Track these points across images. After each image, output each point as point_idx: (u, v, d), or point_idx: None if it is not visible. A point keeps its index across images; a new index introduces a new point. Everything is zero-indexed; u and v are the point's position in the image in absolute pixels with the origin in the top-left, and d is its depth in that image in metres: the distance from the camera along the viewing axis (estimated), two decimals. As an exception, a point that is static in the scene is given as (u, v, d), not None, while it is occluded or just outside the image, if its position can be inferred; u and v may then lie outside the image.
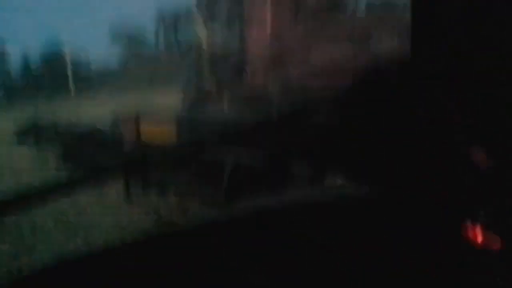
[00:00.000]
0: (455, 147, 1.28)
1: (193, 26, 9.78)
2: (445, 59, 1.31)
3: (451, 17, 1.25)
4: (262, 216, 1.29)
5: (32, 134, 8.16)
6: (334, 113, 2.03)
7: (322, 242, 1.18)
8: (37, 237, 3.96)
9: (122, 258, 1.09)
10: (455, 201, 1.24)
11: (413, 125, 1.41)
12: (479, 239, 1.13)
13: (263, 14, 8.95)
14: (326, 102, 2.20)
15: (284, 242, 1.18)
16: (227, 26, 8.95)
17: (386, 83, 1.71)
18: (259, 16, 9.02)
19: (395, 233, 1.23)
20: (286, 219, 1.27)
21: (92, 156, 4.81)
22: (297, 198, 1.49)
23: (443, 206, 1.20)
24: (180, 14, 9.93)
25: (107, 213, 3.97)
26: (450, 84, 1.30)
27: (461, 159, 1.28)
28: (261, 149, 2.78)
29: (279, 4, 9.04)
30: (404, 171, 1.44)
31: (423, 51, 1.35)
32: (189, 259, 1.11)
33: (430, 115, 1.36)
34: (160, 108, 6.13)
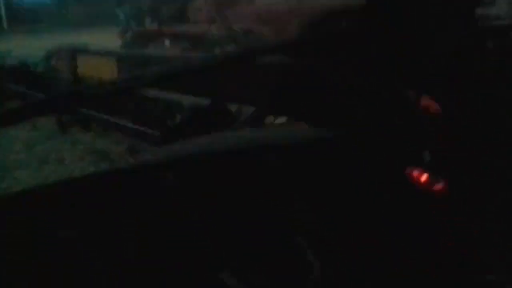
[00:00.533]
0: (403, 92, 1.30)
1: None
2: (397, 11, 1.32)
3: None
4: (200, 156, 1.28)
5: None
6: (279, 57, 2.01)
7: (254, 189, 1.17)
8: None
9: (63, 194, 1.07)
10: (400, 145, 1.25)
11: (362, 69, 1.42)
12: (424, 180, 1.15)
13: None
14: (272, 45, 2.17)
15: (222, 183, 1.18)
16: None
17: (334, 32, 1.71)
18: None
19: (340, 177, 1.23)
20: (226, 159, 1.27)
21: (23, 91, 4.55)
22: (238, 137, 1.50)
23: (389, 150, 1.21)
24: None
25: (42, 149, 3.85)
26: (400, 34, 1.31)
27: (407, 103, 1.30)
28: (201, 89, 2.76)
29: None
30: (348, 114, 1.43)
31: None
32: (130, 198, 1.10)
33: (378, 62, 1.37)
34: (98, 45, 5.84)
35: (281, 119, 2.13)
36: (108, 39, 9.64)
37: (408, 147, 1.23)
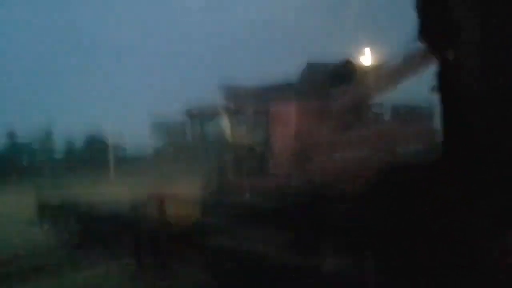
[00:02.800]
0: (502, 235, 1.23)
1: (220, 120, 10.20)
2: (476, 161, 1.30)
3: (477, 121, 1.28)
4: None
5: (53, 213, 8.23)
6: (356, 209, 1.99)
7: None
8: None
9: None
10: None
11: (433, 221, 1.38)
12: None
13: (288, 112, 9.31)
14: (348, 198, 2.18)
15: None
16: (253, 120, 9.29)
17: (409, 186, 1.70)
18: (285, 113, 9.37)
19: None
20: None
21: (110, 236, 4.76)
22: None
23: None
24: (208, 108, 10.41)
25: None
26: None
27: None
28: (281, 239, 2.71)
29: (304, 104, 9.44)
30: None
31: (453, 155, 1.36)
32: None
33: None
34: (185, 193, 6.18)
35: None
36: (194, 190, 10.23)
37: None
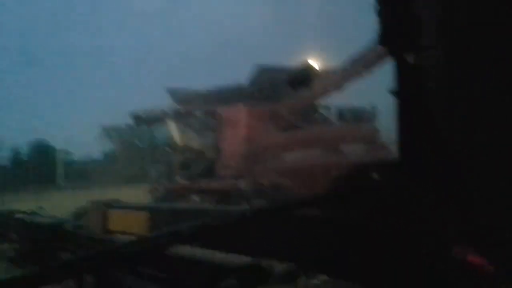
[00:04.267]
0: (449, 247, 1.23)
1: (167, 126, 10.02)
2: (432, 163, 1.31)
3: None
4: None
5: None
6: (310, 210, 1.98)
7: None
8: None
9: None
10: None
11: (398, 222, 1.37)
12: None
13: (237, 115, 9.32)
14: (302, 200, 2.16)
15: None
16: (202, 123, 9.20)
17: (359, 188, 1.70)
18: (234, 116, 9.37)
19: None
20: None
21: (52, 250, 4.52)
22: None
23: None
24: (155, 114, 10.22)
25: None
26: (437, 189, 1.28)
27: (454, 260, 1.22)
28: (232, 245, 2.65)
29: (254, 107, 9.49)
30: (390, 271, 1.35)
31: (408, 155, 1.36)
32: None
33: (416, 214, 1.33)
34: (130, 201, 5.99)
35: (317, 279, 1.98)
36: (142, 195, 10.01)
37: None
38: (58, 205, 9.47)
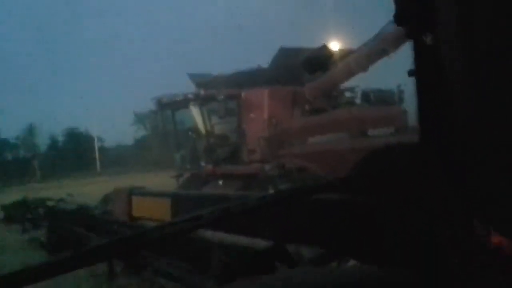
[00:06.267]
0: (471, 229, 1.20)
1: (190, 111, 10.02)
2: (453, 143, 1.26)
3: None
4: None
5: (21, 212, 7.99)
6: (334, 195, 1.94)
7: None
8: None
9: None
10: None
11: (421, 205, 1.34)
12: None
13: (260, 98, 9.25)
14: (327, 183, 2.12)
15: None
16: (225, 110, 9.15)
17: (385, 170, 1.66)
18: (257, 99, 9.31)
19: None
20: None
21: (80, 235, 4.62)
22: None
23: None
24: (178, 99, 10.22)
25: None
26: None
27: (476, 242, 1.19)
28: (259, 230, 2.64)
29: (277, 92, 9.41)
30: (411, 253, 1.33)
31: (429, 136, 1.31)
32: None
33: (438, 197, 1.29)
34: (158, 187, 6.06)
35: (351, 262, 1.96)
36: (169, 181, 10.13)
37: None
38: (93, 191, 9.68)
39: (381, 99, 10.04)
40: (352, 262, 1.85)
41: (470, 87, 1.20)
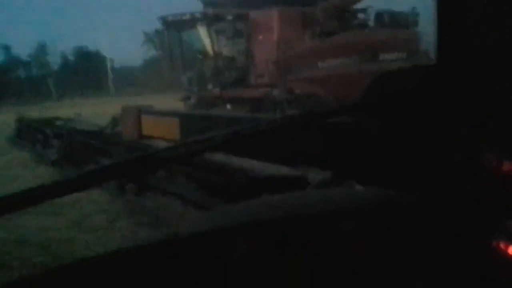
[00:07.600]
0: (482, 156, 1.18)
1: (198, 31, 9.70)
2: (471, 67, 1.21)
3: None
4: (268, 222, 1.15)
5: (28, 132, 8.09)
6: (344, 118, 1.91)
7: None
8: (30, 234, 3.83)
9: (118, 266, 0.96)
10: (481, 215, 1.14)
11: (432, 131, 1.32)
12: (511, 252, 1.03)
13: (269, 19, 8.94)
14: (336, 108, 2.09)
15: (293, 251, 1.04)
16: (233, 31, 8.86)
17: (399, 94, 1.61)
18: (266, 20, 8.99)
19: (419, 248, 1.11)
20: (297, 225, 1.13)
21: (90, 154, 4.71)
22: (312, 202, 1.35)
23: (470, 220, 1.11)
24: (185, 18, 9.82)
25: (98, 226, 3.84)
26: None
27: (487, 168, 1.17)
28: (266, 153, 2.65)
29: (287, 13, 9.04)
30: (421, 179, 1.33)
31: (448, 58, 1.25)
32: (189, 269, 0.97)
33: (450, 123, 1.26)
34: (162, 107, 6.04)
35: (352, 187, 1.98)
36: (176, 102, 10.12)
37: (491, 217, 1.08)
38: (105, 110, 9.70)
39: (395, 21, 9.68)
40: (359, 187, 1.88)
41: (491, 9, 1.14)
